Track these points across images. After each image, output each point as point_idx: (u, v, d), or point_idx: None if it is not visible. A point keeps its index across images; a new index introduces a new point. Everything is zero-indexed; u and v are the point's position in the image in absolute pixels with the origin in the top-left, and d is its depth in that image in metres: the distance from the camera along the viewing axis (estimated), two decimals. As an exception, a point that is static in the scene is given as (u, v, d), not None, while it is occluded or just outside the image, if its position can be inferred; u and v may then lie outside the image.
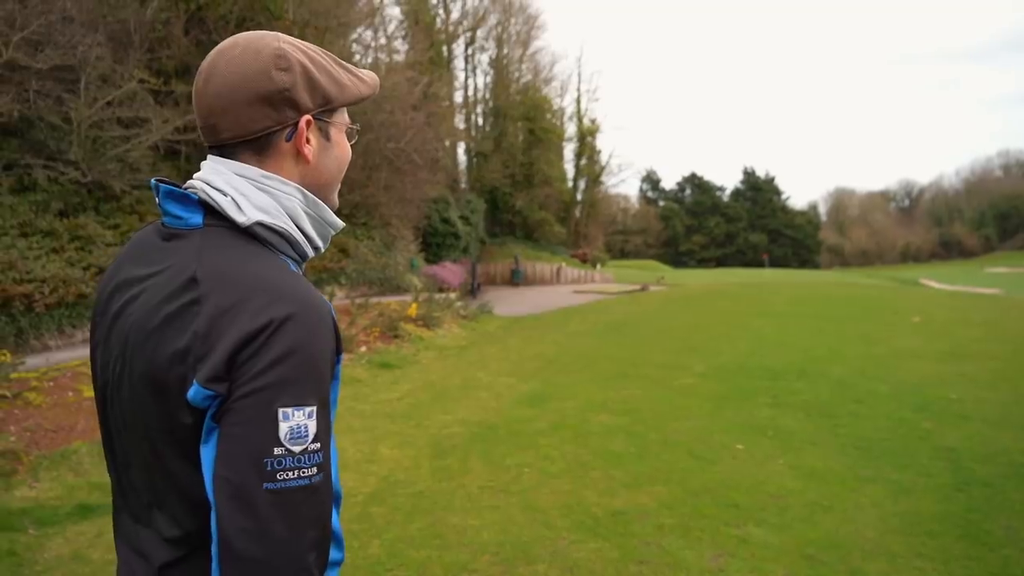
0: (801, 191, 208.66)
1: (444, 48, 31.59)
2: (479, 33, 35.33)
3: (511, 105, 36.23)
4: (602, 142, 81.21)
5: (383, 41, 23.35)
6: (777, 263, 66.09)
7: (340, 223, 1.06)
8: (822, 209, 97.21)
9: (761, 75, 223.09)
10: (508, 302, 18.50)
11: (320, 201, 1.00)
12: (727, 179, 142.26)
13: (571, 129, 43.76)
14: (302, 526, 0.79)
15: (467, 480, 4.57)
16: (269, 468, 0.77)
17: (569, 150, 44.00)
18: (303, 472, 0.79)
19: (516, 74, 38.10)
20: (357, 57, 19.01)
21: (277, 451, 0.78)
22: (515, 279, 27.83)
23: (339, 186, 1.07)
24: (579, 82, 54.55)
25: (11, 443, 4.63)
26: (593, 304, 18.23)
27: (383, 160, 16.52)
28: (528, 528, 3.77)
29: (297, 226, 0.97)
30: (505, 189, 34.23)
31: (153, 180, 0.96)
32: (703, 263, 75.11)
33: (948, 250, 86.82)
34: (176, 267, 0.88)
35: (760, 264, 49.61)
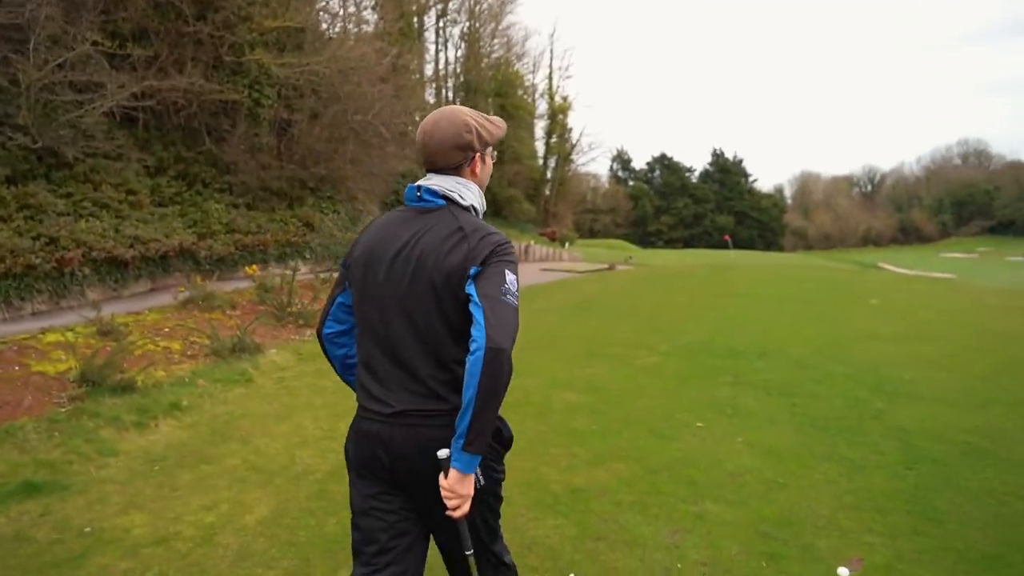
0: (768, 174, 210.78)
1: (414, 19, 30.98)
2: (451, 5, 34.73)
3: (482, 80, 35.85)
4: (573, 120, 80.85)
5: (352, 10, 22.78)
6: (742, 245, 66.92)
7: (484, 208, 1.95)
8: (788, 192, 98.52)
9: (731, 55, 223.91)
10: (475, 279, 18.35)
11: (483, 194, 1.94)
12: (696, 160, 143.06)
13: (542, 106, 43.63)
14: (513, 322, 1.63)
15: (428, 457, 4.53)
16: (504, 291, 1.65)
17: (540, 127, 43.85)
18: (513, 298, 1.67)
19: (488, 49, 37.67)
20: (324, 26, 18.52)
21: (505, 287, 1.65)
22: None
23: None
24: (551, 59, 53.81)
25: (-47, 418, 4.45)
26: (561, 282, 18.25)
27: (349, 133, 16.14)
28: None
29: (480, 207, 1.90)
30: (475, 166, 33.91)
31: (411, 185, 1.86)
32: (671, 243, 75.69)
33: (907, 235, 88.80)
34: (443, 222, 1.76)
35: (725, 246, 50.13)
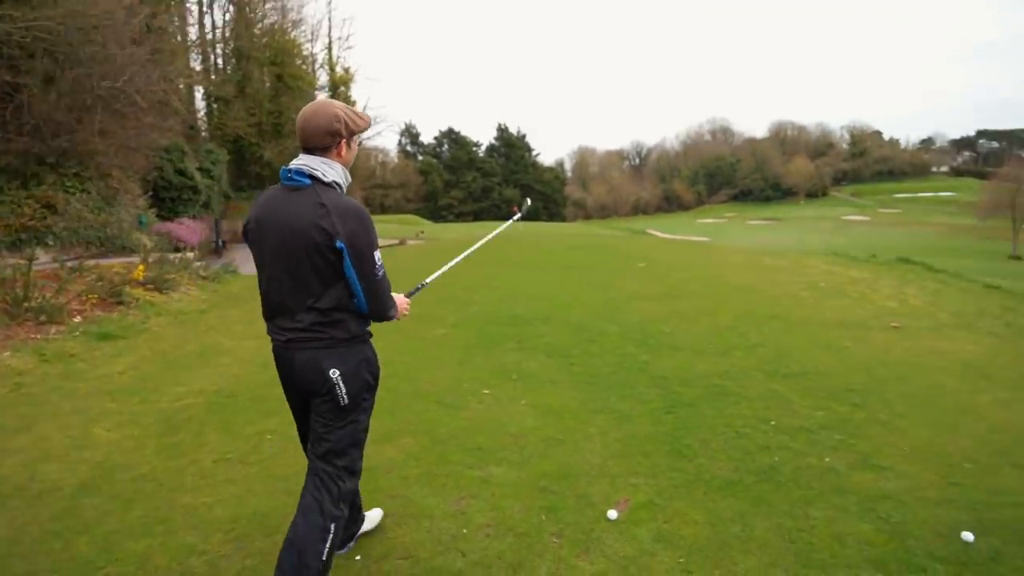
0: (550, 148, 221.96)
1: (171, -25, 27.83)
2: (213, -37, 31.69)
3: (256, 47, 33.29)
4: (357, 93, 78.14)
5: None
6: (528, 216, 70.10)
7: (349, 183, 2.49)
8: (568, 166, 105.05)
9: (514, 32, 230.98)
10: (258, 261, 17.25)
11: (347, 172, 2.47)
12: (483, 135, 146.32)
13: (323, 77, 41.57)
14: (387, 292, 2.49)
15: (201, 455, 4.19)
16: (376, 269, 2.38)
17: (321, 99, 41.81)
18: (381, 271, 2.42)
19: (260, 14, 34.96)
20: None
21: (376, 265, 2.38)
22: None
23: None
24: (330, 28, 51.99)
25: None
26: (350, 260, 17.75)
27: (97, 101, 14.15)
28: (267, 498, 3.56)
29: (343, 183, 2.43)
30: (252, 139, 31.62)
31: (283, 168, 2.36)
32: (461, 217, 77.12)
33: (670, 203, 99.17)
34: (309, 199, 2.29)
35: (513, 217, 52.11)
